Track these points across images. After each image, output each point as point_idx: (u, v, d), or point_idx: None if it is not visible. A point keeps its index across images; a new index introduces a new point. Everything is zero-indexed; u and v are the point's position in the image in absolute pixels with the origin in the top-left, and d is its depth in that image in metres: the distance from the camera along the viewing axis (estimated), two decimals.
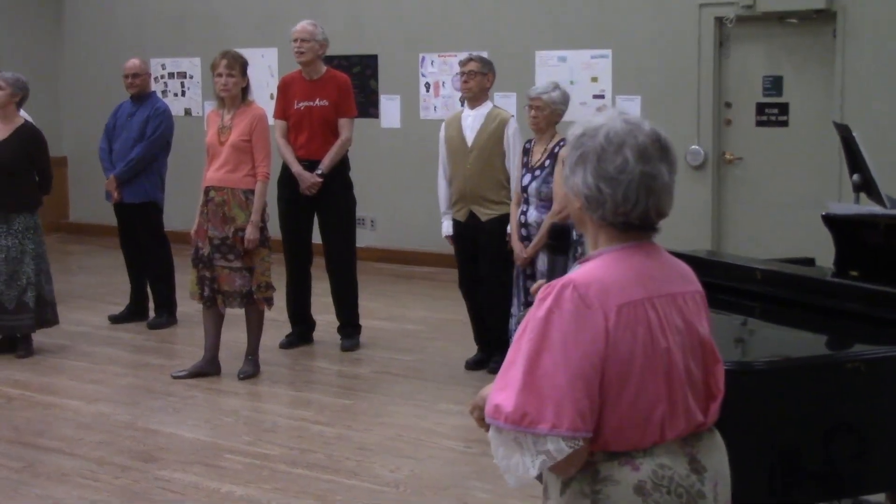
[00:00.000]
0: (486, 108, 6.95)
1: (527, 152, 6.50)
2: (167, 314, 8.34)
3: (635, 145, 2.35)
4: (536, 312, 2.34)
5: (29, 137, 7.51)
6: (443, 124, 7.18)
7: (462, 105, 7.31)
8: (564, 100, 6.46)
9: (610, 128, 2.37)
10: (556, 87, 6.46)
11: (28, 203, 7.44)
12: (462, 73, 7.01)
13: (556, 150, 6.31)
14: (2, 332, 7.52)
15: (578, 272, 2.38)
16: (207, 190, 6.74)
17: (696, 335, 2.42)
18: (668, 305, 2.38)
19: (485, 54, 7.64)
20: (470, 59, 7.03)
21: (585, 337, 2.29)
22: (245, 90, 6.79)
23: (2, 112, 7.48)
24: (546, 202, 6.34)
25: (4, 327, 7.45)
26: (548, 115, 6.38)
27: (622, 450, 2.34)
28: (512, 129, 6.80)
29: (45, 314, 7.51)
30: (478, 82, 6.93)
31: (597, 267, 2.39)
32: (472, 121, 6.90)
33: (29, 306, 7.40)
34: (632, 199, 2.35)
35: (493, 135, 6.80)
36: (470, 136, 6.87)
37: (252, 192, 6.71)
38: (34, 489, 5.16)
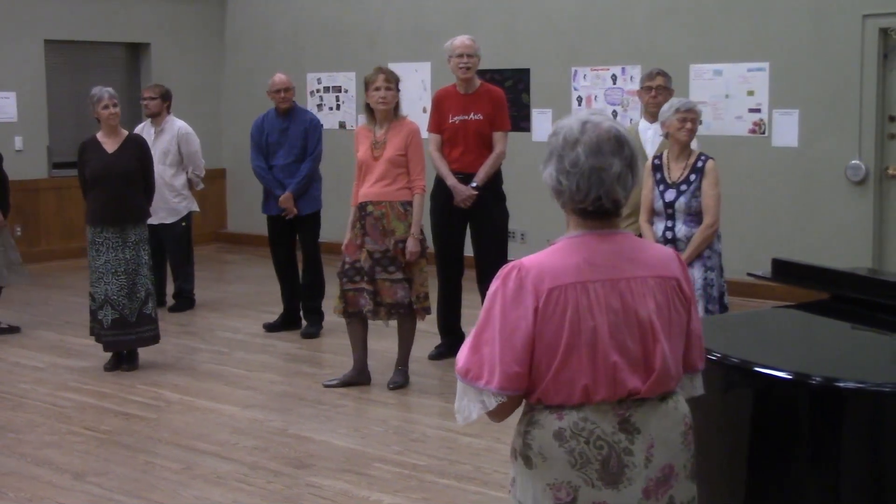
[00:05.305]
0: None
1: (658, 168, 6.30)
2: (319, 324, 8.48)
3: (587, 142, 2.71)
4: (491, 287, 2.77)
5: (138, 146, 7.43)
6: None
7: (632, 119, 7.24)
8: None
9: (567, 128, 2.75)
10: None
11: (141, 214, 7.37)
12: (651, 88, 7.02)
13: (698, 164, 6.19)
14: (126, 346, 7.38)
15: (529, 257, 2.77)
16: (364, 205, 6.80)
17: (635, 316, 2.73)
18: (605, 289, 2.72)
19: (638, 68, 7.58)
20: (658, 74, 7.03)
21: (519, 314, 2.69)
22: (397, 106, 6.89)
23: (112, 128, 7.34)
24: (695, 216, 6.20)
25: (127, 341, 7.34)
26: (696, 129, 6.29)
27: (555, 404, 2.74)
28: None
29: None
30: (665, 97, 6.92)
31: (546, 253, 2.77)
32: (653, 133, 6.85)
33: (152, 317, 7.39)
34: (584, 189, 2.71)
35: None
36: (650, 150, 6.81)
37: (408, 203, 6.79)
38: (192, 490, 5.32)
